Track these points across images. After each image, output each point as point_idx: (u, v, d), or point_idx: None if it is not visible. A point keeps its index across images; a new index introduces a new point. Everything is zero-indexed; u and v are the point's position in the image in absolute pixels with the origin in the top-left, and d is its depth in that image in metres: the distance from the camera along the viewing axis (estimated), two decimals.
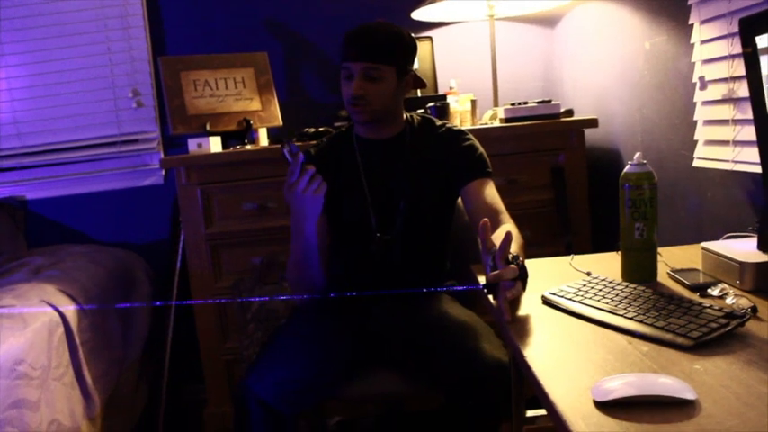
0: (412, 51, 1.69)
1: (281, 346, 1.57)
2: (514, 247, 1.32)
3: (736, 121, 1.56)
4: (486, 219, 1.22)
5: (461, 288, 1.73)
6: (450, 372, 1.45)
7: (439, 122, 1.77)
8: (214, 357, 2.26)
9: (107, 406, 2.01)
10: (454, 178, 1.68)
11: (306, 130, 2.27)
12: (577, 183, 2.28)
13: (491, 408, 1.41)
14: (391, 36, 1.62)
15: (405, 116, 1.75)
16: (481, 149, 1.71)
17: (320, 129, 2.27)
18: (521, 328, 1.09)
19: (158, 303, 2.46)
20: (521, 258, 1.19)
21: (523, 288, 1.20)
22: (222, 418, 2.26)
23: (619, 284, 1.18)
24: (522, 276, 1.17)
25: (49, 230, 2.64)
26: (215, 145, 2.28)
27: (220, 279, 2.25)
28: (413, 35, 1.71)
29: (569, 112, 2.35)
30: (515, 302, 1.18)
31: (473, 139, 1.73)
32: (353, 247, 1.73)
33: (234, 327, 2.24)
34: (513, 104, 2.31)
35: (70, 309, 1.91)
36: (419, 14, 2.53)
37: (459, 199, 1.73)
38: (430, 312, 1.63)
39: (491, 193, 1.64)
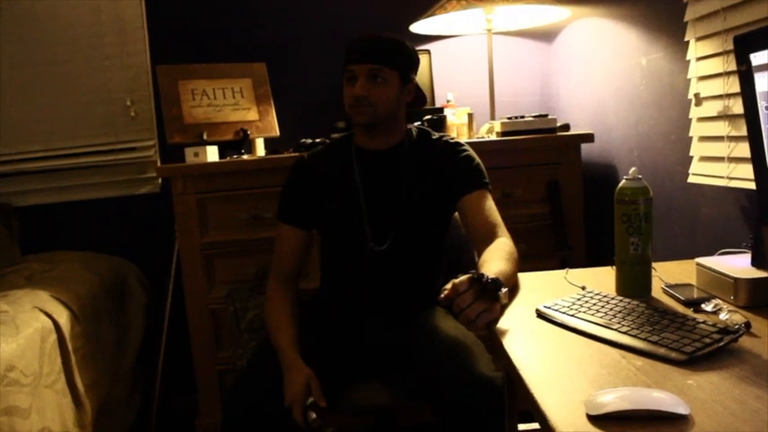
0: (414, 60, 1.71)
1: (269, 357, 1.56)
2: (501, 264, 1.34)
3: (730, 138, 1.57)
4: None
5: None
6: (439, 388, 1.43)
7: (436, 135, 1.76)
8: (207, 367, 2.25)
9: (99, 414, 2.00)
10: (451, 190, 1.66)
11: (303, 140, 2.28)
12: (573, 197, 2.29)
13: (479, 426, 1.40)
14: (395, 42, 1.65)
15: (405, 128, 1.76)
16: (478, 160, 1.70)
17: (317, 140, 2.27)
18: (515, 341, 1.09)
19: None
20: (486, 276, 1.17)
21: (502, 302, 1.19)
22: (214, 429, 2.24)
23: (613, 299, 1.19)
24: (484, 291, 1.16)
25: (43, 237, 2.63)
26: (212, 154, 2.29)
27: (214, 288, 2.24)
28: None
29: (566, 127, 2.36)
30: (501, 316, 1.19)
31: (470, 150, 1.72)
32: (346, 257, 1.73)
33: (228, 336, 2.24)
34: (509, 118, 2.32)
35: (63, 316, 1.90)
36: (417, 28, 2.55)
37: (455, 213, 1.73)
38: (422, 326, 1.61)
39: (488, 205, 1.63)
